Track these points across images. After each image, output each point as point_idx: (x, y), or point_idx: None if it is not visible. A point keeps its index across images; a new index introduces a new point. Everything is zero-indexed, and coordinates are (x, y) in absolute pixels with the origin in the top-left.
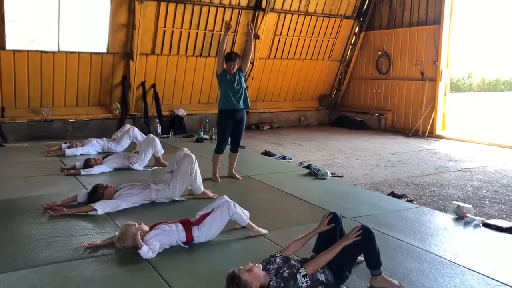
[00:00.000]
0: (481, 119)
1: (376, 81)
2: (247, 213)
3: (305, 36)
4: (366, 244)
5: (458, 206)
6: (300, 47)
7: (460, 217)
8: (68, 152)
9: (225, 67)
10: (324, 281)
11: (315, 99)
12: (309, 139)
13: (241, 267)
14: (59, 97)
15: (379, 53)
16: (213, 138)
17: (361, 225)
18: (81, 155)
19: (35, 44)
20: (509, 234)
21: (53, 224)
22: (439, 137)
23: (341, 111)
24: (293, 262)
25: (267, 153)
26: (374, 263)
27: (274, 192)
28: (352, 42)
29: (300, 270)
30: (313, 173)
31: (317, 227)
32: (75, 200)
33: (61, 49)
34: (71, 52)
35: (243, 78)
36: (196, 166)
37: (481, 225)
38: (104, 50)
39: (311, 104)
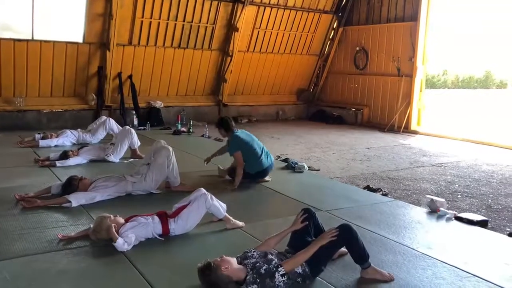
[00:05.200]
0: (455, 115)
1: (353, 76)
2: (224, 205)
3: (284, 30)
4: (348, 242)
5: (432, 200)
6: (279, 41)
7: (433, 210)
8: (42, 143)
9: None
10: (302, 273)
11: (293, 93)
12: (287, 133)
13: (216, 258)
14: (33, 87)
15: (357, 48)
16: (191, 130)
17: (340, 225)
18: (56, 146)
19: (8, 32)
20: (479, 227)
21: (26, 216)
22: (414, 132)
23: (319, 105)
24: (270, 256)
25: None
26: (361, 258)
27: (251, 185)
28: (331, 37)
29: (279, 269)
30: (291, 166)
31: (291, 225)
32: (49, 192)
33: (35, 38)
34: (45, 41)
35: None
36: (173, 158)
37: (453, 218)
38: (80, 39)
39: (289, 98)
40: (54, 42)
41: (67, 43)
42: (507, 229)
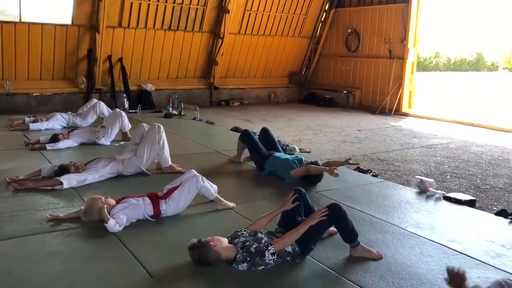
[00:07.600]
0: (446, 97)
1: (345, 59)
2: (215, 187)
3: (276, 12)
4: (338, 221)
5: (421, 180)
6: (270, 23)
7: (423, 191)
8: (33, 126)
9: None
10: (291, 251)
11: (285, 76)
12: (279, 116)
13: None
14: (22, 70)
15: (349, 30)
16: (182, 113)
17: (329, 204)
18: (46, 129)
19: None
20: (467, 207)
21: (17, 198)
22: (405, 114)
23: (311, 88)
24: (260, 235)
25: (236, 129)
26: (350, 237)
27: (242, 167)
28: (322, 19)
29: (269, 248)
30: (282, 148)
31: (282, 205)
32: (39, 175)
33: (23, 20)
34: (34, 23)
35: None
36: (164, 135)
37: (442, 198)
38: (69, 22)
39: (281, 81)
40: (42, 24)
41: (55, 25)
42: (494, 208)
